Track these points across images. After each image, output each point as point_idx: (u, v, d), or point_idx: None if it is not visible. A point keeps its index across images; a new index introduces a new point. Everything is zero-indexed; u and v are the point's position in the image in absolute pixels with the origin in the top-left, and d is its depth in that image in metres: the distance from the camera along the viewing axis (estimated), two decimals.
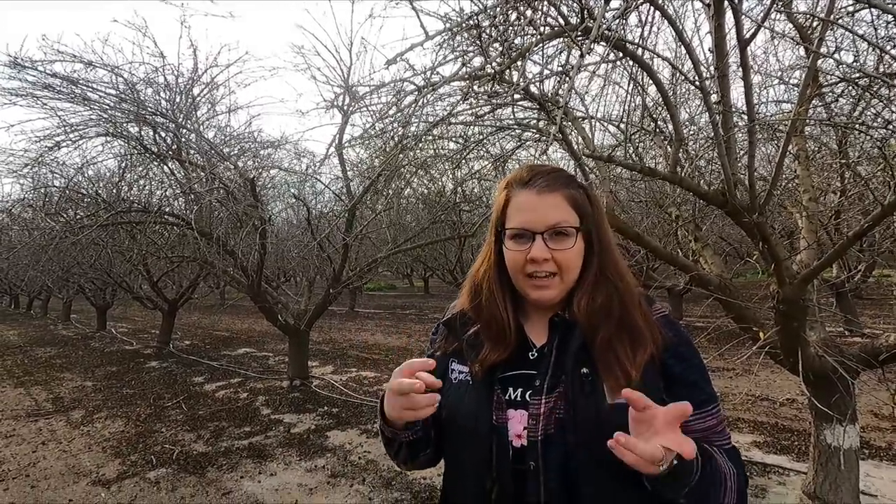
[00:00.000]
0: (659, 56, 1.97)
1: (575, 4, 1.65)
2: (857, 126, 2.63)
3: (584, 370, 0.80)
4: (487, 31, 1.69)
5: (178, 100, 4.54)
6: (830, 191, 3.65)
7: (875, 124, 2.52)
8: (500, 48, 1.67)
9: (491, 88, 1.98)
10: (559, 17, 1.67)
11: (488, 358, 0.85)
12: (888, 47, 2.29)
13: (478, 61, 1.76)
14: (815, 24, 2.25)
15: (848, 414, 2.38)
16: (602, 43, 1.59)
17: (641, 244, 2.50)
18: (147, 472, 3.63)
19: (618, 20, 1.76)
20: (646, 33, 2.05)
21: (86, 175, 5.21)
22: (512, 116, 2.80)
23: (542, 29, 1.70)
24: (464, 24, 1.66)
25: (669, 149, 2.49)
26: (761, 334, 2.30)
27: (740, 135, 2.42)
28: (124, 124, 4.44)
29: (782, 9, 1.97)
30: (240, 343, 9.42)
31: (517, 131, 3.10)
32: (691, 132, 2.99)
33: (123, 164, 5.25)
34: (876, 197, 1.96)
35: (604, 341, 0.80)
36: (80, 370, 7.37)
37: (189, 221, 4.40)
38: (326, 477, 3.47)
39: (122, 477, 3.57)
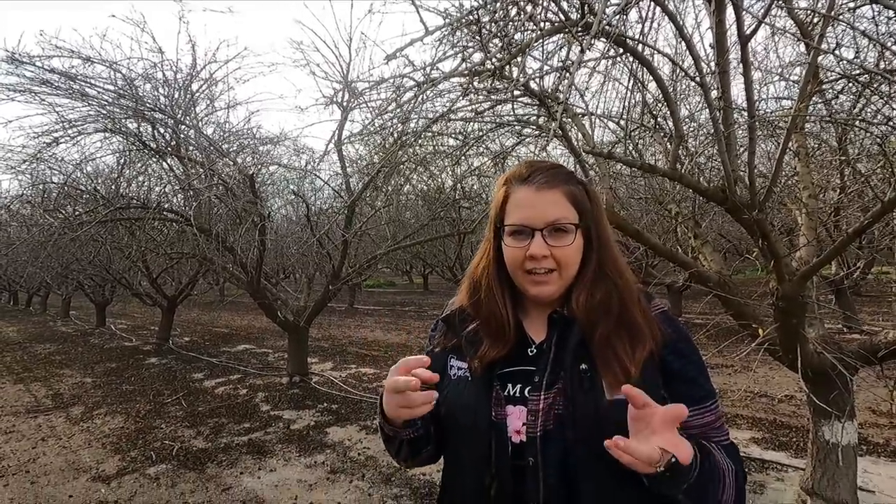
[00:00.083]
0: (659, 52, 1.96)
1: (575, 0, 1.64)
2: (857, 123, 2.62)
3: (583, 366, 0.80)
4: (487, 26, 1.68)
5: (176, 96, 4.53)
6: (830, 188, 3.65)
7: (875, 121, 2.51)
8: (500, 44, 1.67)
9: (491, 84, 1.97)
10: (559, 12, 1.66)
11: (487, 354, 0.85)
12: (889, 43, 2.29)
13: (477, 57, 1.75)
14: (815, 20, 2.24)
15: (846, 410, 2.39)
16: (602, 39, 1.59)
17: (641, 241, 2.50)
18: (147, 468, 3.63)
19: (618, 16, 1.75)
20: (646, 29, 2.04)
21: (84, 171, 5.20)
22: (512, 113, 2.80)
23: (542, 24, 1.70)
24: (463, 20, 1.65)
25: (669, 145, 2.49)
26: (760, 331, 2.30)
27: (740, 131, 2.42)
28: (123, 120, 4.43)
29: (783, 4, 1.97)
30: (239, 340, 9.43)
31: (517, 128, 3.09)
32: (691, 129, 2.99)
33: (122, 161, 5.24)
34: (876, 194, 1.95)
35: (602, 338, 0.80)
36: (80, 367, 7.37)
37: (188, 218, 4.39)
38: (326, 473, 3.47)
39: (122, 473, 3.58)
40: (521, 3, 1.60)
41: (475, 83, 1.86)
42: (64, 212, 5.09)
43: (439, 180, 6.05)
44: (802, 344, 2.23)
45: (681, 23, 1.77)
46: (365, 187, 4.94)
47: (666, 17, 1.75)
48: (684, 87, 2.92)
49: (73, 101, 4.23)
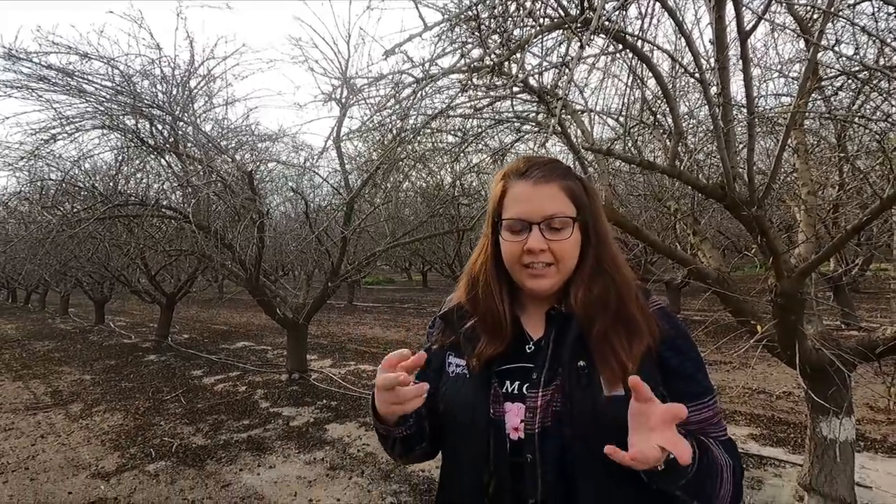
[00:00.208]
0: (659, 48, 1.95)
1: None
2: (856, 119, 2.62)
3: (581, 363, 0.80)
4: (486, 22, 1.68)
5: (174, 92, 4.51)
6: (829, 184, 3.65)
7: (874, 118, 2.51)
8: (499, 40, 1.66)
9: (490, 81, 1.97)
10: (559, 8, 1.65)
11: (485, 351, 0.85)
12: (889, 39, 2.28)
13: (476, 53, 1.75)
14: (815, 16, 2.23)
15: (844, 407, 2.39)
16: (602, 35, 1.58)
17: (640, 238, 2.50)
18: (146, 465, 3.64)
19: (618, 12, 1.74)
20: (646, 25, 2.03)
21: (82, 168, 5.18)
22: (511, 109, 2.79)
23: (541, 20, 1.69)
24: (462, 16, 1.64)
25: (668, 142, 2.49)
26: (759, 327, 2.31)
27: (739, 128, 2.42)
28: (121, 117, 4.41)
29: (783, 0, 1.96)
30: (238, 337, 9.43)
31: (516, 124, 3.08)
32: (690, 125, 2.98)
33: (120, 157, 5.22)
34: (875, 190, 1.95)
35: (600, 333, 0.80)
36: (79, 364, 7.37)
37: (186, 215, 4.38)
38: (325, 469, 3.48)
39: (122, 470, 3.58)
40: (520, 0, 1.59)
41: (474, 79, 1.86)
42: (62, 209, 5.08)
43: (438, 177, 6.04)
44: (801, 340, 2.23)
45: (680, 19, 1.77)
46: (364, 184, 4.93)
47: (665, 13, 1.74)
48: (684, 83, 2.92)
49: (70, 98, 4.21)
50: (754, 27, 1.60)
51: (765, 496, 2.90)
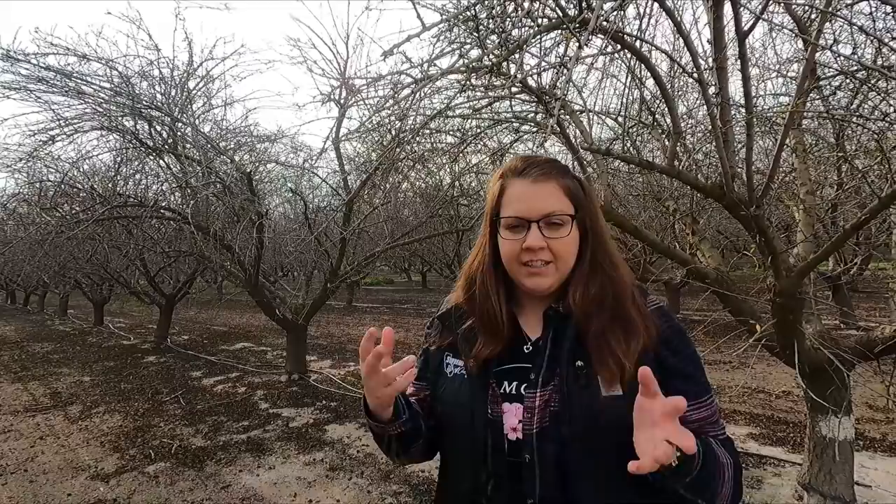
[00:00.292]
0: (657, 48, 1.96)
1: None
2: (854, 119, 2.63)
3: (579, 363, 0.80)
4: (484, 22, 1.68)
5: (173, 93, 4.51)
6: (827, 184, 3.65)
7: (872, 117, 2.52)
8: (498, 40, 1.66)
9: (488, 81, 1.97)
10: (557, 8, 1.65)
11: (482, 352, 0.85)
12: (886, 39, 2.29)
13: (475, 53, 1.75)
14: (813, 16, 2.24)
15: (843, 406, 2.40)
16: (600, 35, 1.59)
17: (639, 237, 2.50)
18: (146, 467, 3.63)
19: (616, 12, 1.75)
20: (644, 25, 2.04)
21: (81, 169, 5.17)
22: (509, 109, 2.79)
23: (539, 20, 1.69)
24: (461, 16, 1.64)
25: (667, 142, 2.49)
26: (758, 327, 2.31)
27: (738, 128, 2.42)
28: (119, 118, 4.41)
29: (780, 0, 1.96)
30: (238, 338, 9.42)
31: (515, 124, 3.09)
32: (689, 125, 2.99)
33: (119, 159, 5.21)
34: (873, 190, 1.96)
35: (597, 333, 0.80)
36: (78, 365, 7.36)
37: (185, 216, 4.38)
38: (325, 470, 3.48)
39: (121, 471, 3.58)
40: (519, 0, 1.59)
41: (473, 80, 1.86)
42: (61, 210, 5.07)
43: (437, 177, 6.04)
44: (800, 340, 2.24)
45: (678, 19, 1.77)
46: (363, 185, 4.93)
47: (664, 13, 1.75)
48: (682, 83, 2.92)
49: (69, 99, 4.21)
50: (752, 27, 1.61)
51: (764, 495, 2.90)
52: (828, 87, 2.84)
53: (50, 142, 4.38)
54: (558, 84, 1.98)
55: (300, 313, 5.67)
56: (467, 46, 1.75)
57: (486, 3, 1.63)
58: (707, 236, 3.14)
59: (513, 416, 0.82)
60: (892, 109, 2.45)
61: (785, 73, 3.02)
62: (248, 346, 8.55)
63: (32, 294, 16.66)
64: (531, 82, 2.05)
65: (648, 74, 1.95)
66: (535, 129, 2.93)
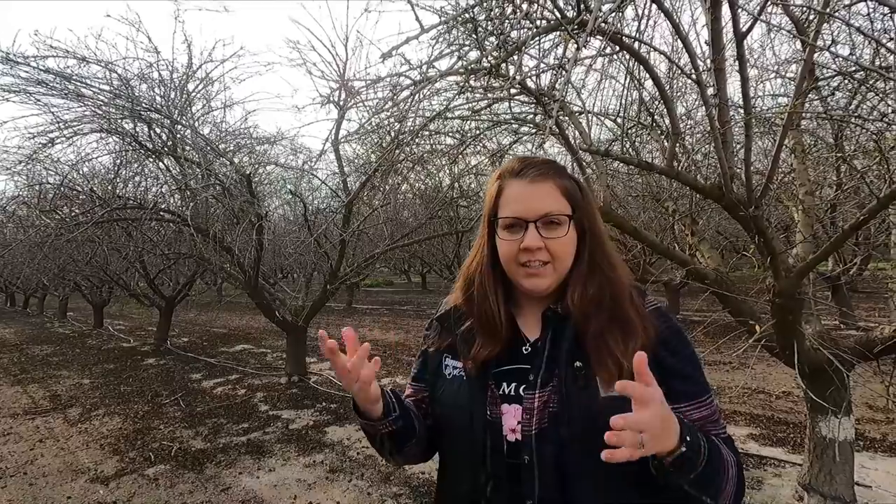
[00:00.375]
0: (655, 50, 1.96)
1: None
2: (853, 119, 2.63)
3: (578, 364, 0.80)
4: (483, 24, 1.68)
5: (172, 96, 4.51)
6: (826, 184, 3.66)
7: (871, 117, 2.52)
8: (496, 42, 1.66)
9: (487, 83, 1.97)
10: (555, 10, 1.66)
11: (481, 353, 0.85)
12: (884, 40, 2.29)
13: (474, 55, 1.75)
14: (811, 16, 2.24)
15: (843, 406, 2.40)
16: (598, 36, 1.59)
17: (639, 238, 2.50)
18: (145, 469, 3.63)
19: (614, 13, 1.75)
20: (642, 27, 2.04)
21: (80, 172, 5.17)
22: (508, 111, 2.80)
23: (538, 22, 1.70)
24: (459, 18, 1.65)
25: (666, 143, 2.49)
26: (757, 328, 2.31)
27: (737, 129, 2.42)
28: (119, 120, 4.41)
29: (779, 1, 1.97)
30: (237, 340, 9.42)
31: (514, 126, 3.09)
32: (688, 126, 2.99)
33: (118, 161, 5.22)
34: (872, 190, 1.96)
35: (595, 333, 0.80)
36: (78, 368, 7.36)
37: (185, 218, 4.38)
38: (325, 472, 3.47)
39: (121, 474, 3.57)
40: (517, 1, 1.60)
41: (471, 81, 1.86)
42: (60, 213, 5.07)
43: (437, 179, 6.04)
44: (799, 340, 2.24)
45: (677, 20, 1.78)
46: (362, 186, 4.93)
47: (662, 15, 1.75)
48: (681, 84, 2.93)
49: (68, 102, 4.22)
50: (750, 28, 1.61)
51: (765, 496, 2.90)
52: (826, 87, 2.85)
53: (49, 144, 4.39)
54: (557, 85, 1.98)
55: (300, 315, 5.66)
56: (466, 48, 1.76)
57: (485, 4, 1.64)
58: (706, 237, 3.14)
59: (512, 418, 0.81)
60: (890, 110, 2.46)
61: (783, 73, 3.03)
62: (247, 348, 8.55)
63: (32, 296, 16.66)
64: (530, 84, 2.06)
65: (647, 75, 1.95)
66: (534, 131, 2.93)
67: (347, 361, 0.76)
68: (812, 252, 2.34)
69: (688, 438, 0.69)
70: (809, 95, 2.54)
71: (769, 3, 1.74)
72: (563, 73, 1.61)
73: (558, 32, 1.71)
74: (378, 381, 0.83)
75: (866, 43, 2.58)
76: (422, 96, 2.21)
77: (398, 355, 7.25)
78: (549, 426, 0.79)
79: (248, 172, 4.73)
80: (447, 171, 5.60)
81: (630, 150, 2.77)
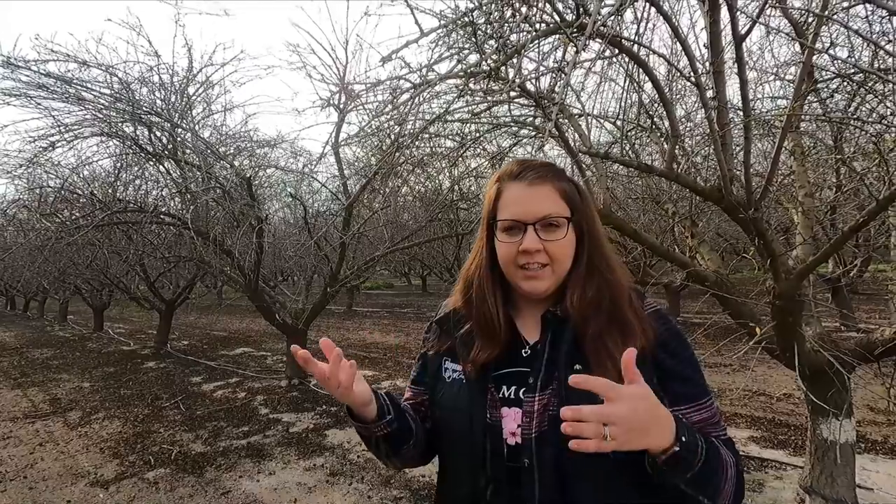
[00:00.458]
0: (655, 52, 1.97)
1: (570, 1, 1.65)
2: (852, 122, 2.63)
3: (577, 367, 0.80)
4: (482, 27, 1.69)
5: (173, 99, 4.52)
6: (826, 186, 3.66)
7: (870, 120, 2.52)
8: (496, 45, 1.67)
9: (487, 86, 1.97)
10: (554, 13, 1.66)
11: (480, 356, 0.85)
12: (883, 42, 2.30)
13: (473, 58, 1.76)
14: (810, 19, 2.25)
15: (844, 408, 2.39)
16: (598, 39, 1.59)
17: (639, 241, 2.50)
18: (145, 473, 3.62)
19: (613, 16, 1.75)
20: (641, 29, 2.04)
21: (81, 175, 5.18)
22: (508, 113, 2.80)
23: (537, 25, 1.70)
24: (459, 21, 1.65)
25: (666, 145, 2.50)
26: (757, 330, 2.31)
27: (736, 131, 2.43)
28: (119, 124, 4.42)
29: (777, 4, 1.98)
30: (237, 343, 9.41)
31: (513, 128, 3.10)
32: (687, 128, 3.00)
33: (119, 164, 5.23)
34: (871, 192, 1.96)
35: (595, 335, 0.81)
36: (78, 371, 7.35)
37: (185, 221, 4.38)
38: (325, 476, 3.47)
39: (121, 477, 3.57)
40: (516, 5, 1.60)
41: (471, 84, 1.86)
42: (61, 216, 5.08)
43: (437, 182, 6.05)
44: (800, 342, 2.24)
45: (676, 23, 1.78)
46: (362, 189, 4.94)
47: (661, 18, 1.76)
48: (680, 86, 2.93)
49: (69, 105, 4.23)
50: (749, 31, 1.61)
51: (766, 499, 2.89)
52: (825, 90, 2.85)
53: (50, 148, 4.39)
54: (556, 88, 1.98)
55: (300, 318, 5.66)
56: (465, 51, 1.76)
57: (485, 8, 1.64)
58: (706, 239, 3.14)
59: (511, 421, 0.81)
60: (889, 112, 2.46)
61: (782, 76, 3.03)
62: (247, 351, 8.54)
63: (32, 300, 16.64)
64: (529, 86, 2.06)
65: (646, 78, 1.96)
66: (533, 133, 2.94)
67: (325, 368, 0.77)
68: (812, 254, 2.34)
69: (683, 438, 0.68)
70: (808, 98, 2.55)
71: (768, 6, 1.75)
72: (563, 76, 1.61)
73: (558, 36, 1.72)
74: (378, 384, 0.83)
75: (865, 45, 2.58)
76: (422, 99, 2.21)
77: (398, 358, 7.25)
78: (549, 429, 0.78)
79: (248, 175, 4.74)
80: (447, 174, 5.61)
81: (630, 152, 2.77)
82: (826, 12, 1.75)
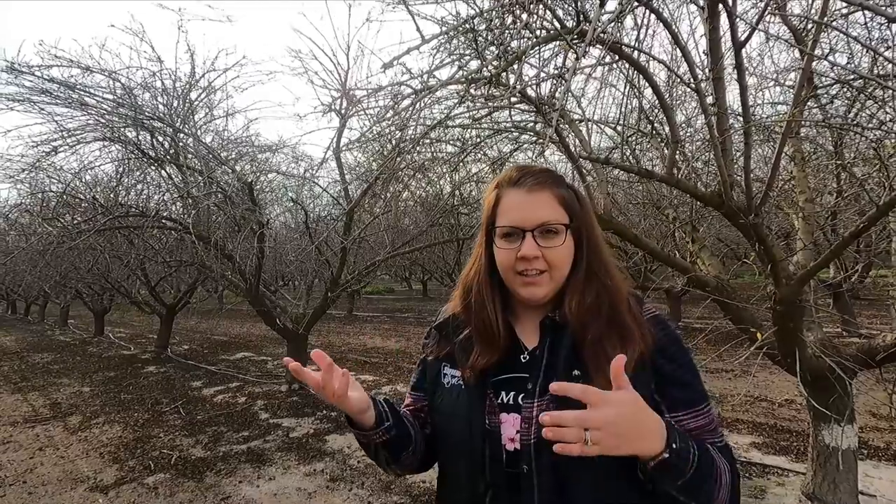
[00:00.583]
0: (654, 58, 1.98)
1: (570, 8, 1.66)
2: (852, 127, 2.64)
3: (576, 372, 0.80)
4: (483, 34, 1.70)
5: (175, 104, 4.55)
6: (826, 192, 3.67)
7: (870, 125, 2.53)
8: (497, 51, 1.68)
9: (488, 91, 1.98)
10: (555, 20, 1.67)
11: (479, 362, 0.85)
12: (882, 49, 2.31)
13: (474, 64, 1.77)
14: (809, 26, 2.26)
15: (846, 414, 2.39)
16: (598, 46, 1.60)
17: (639, 246, 2.50)
18: (145, 478, 3.61)
19: (613, 23, 1.77)
20: (641, 36, 2.05)
21: (83, 180, 5.20)
22: (509, 119, 2.81)
23: (538, 32, 1.71)
24: (460, 28, 1.66)
25: (666, 151, 2.50)
26: (759, 335, 2.31)
27: (736, 137, 2.44)
28: (122, 129, 4.44)
29: (776, 11, 1.99)
30: (238, 347, 9.40)
31: (514, 134, 3.11)
32: (687, 134, 3.00)
33: (121, 169, 5.24)
34: (871, 198, 1.97)
35: (593, 341, 0.81)
36: (78, 376, 7.34)
37: (187, 226, 4.39)
38: (325, 481, 3.46)
39: (120, 482, 3.56)
40: (517, 12, 1.61)
41: (472, 90, 1.87)
42: (62, 220, 5.09)
43: (438, 187, 6.06)
44: (801, 348, 2.23)
45: (676, 30, 1.79)
46: (363, 194, 4.95)
47: (661, 25, 1.77)
48: (680, 92, 2.94)
49: (72, 111, 4.25)
50: (748, 37, 1.62)
51: None
52: (825, 95, 2.86)
53: (52, 153, 4.42)
54: (557, 94, 1.99)
55: (301, 323, 5.66)
56: (467, 57, 1.77)
57: (485, 15, 1.65)
58: (707, 244, 3.14)
59: (510, 427, 0.81)
60: (889, 118, 2.47)
61: (782, 82, 3.04)
62: (248, 355, 8.53)
63: (33, 304, 16.65)
64: (530, 92, 2.07)
65: (647, 84, 1.97)
66: (534, 139, 2.95)
67: (318, 377, 0.77)
68: (813, 259, 2.34)
69: (674, 445, 0.69)
70: (808, 103, 2.56)
71: (767, 12, 1.76)
72: (563, 82, 1.62)
73: (558, 42, 1.73)
74: (379, 389, 0.83)
75: (864, 52, 2.59)
76: (423, 105, 2.22)
77: (399, 363, 7.23)
78: None
79: (249, 180, 4.75)
80: (448, 179, 5.62)
81: (630, 157, 2.78)
82: (825, 19, 1.76)
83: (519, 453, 0.80)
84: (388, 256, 5.58)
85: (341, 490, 3.32)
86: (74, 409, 5.54)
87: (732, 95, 2.08)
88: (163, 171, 5.16)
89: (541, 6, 1.66)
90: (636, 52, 1.89)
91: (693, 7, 2.05)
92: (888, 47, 2.34)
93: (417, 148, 3.95)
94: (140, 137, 4.60)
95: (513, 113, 2.68)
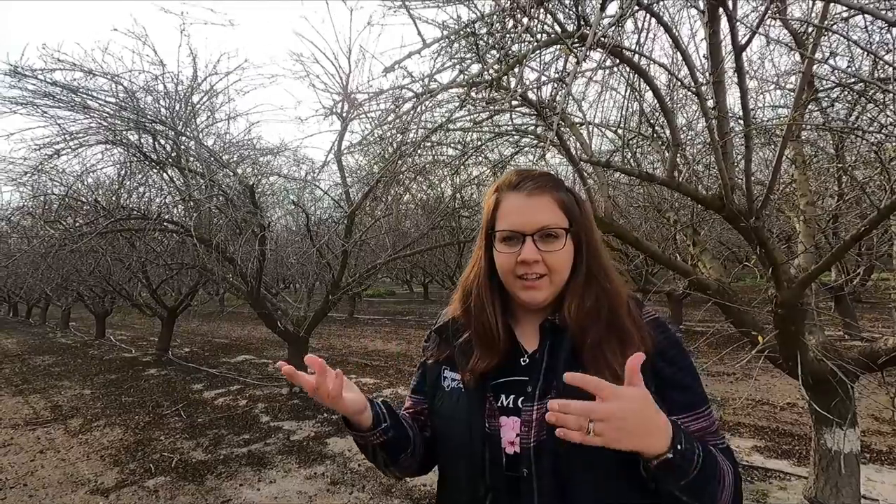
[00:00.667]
0: (655, 62, 1.98)
1: (571, 12, 1.67)
2: (853, 130, 2.64)
3: None
4: (484, 38, 1.70)
5: (177, 107, 4.56)
6: (828, 195, 3.67)
7: (871, 128, 2.53)
8: (498, 55, 1.68)
9: (489, 95, 1.99)
10: (555, 24, 1.68)
11: (479, 365, 0.85)
12: (882, 52, 2.31)
13: (475, 68, 1.77)
14: (809, 30, 2.26)
15: (848, 418, 2.38)
16: (599, 49, 1.61)
17: (640, 249, 2.50)
18: (146, 481, 3.61)
19: (614, 27, 1.77)
20: (642, 40, 2.06)
21: (85, 183, 5.22)
22: (510, 122, 2.82)
23: (538, 36, 1.72)
24: (461, 32, 1.67)
25: (667, 154, 2.51)
26: (760, 338, 2.30)
27: (737, 140, 2.44)
28: (124, 132, 4.46)
29: (777, 15, 1.99)
30: (239, 350, 9.40)
31: (515, 137, 3.11)
32: (688, 137, 3.01)
33: (123, 172, 5.26)
34: (872, 201, 1.97)
35: (593, 344, 0.81)
36: (79, 378, 7.35)
37: (188, 228, 4.40)
38: (326, 484, 3.45)
39: (121, 485, 3.55)
40: (518, 16, 1.62)
41: (473, 94, 1.88)
42: (64, 223, 5.11)
43: (439, 189, 6.06)
44: (802, 351, 2.23)
45: (676, 33, 1.80)
46: (364, 197, 4.96)
47: (661, 28, 1.77)
48: (681, 95, 2.95)
49: (74, 114, 4.26)
50: (748, 41, 1.63)
51: None
52: (826, 99, 2.86)
53: (55, 155, 4.43)
54: (558, 97, 2.00)
55: (302, 325, 5.66)
56: (467, 61, 1.78)
57: (487, 19, 1.66)
58: (708, 247, 3.14)
59: (510, 430, 0.81)
60: (889, 121, 2.47)
61: (783, 85, 3.05)
62: (249, 358, 8.53)
63: (35, 307, 16.68)
64: (531, 96, 2.08)
65: (647, 87, 1.97)
66: (535, 142, 2.95)
67: (312, 380, 0.77)
68: (814, 262, 2.34)
69: (679, 447, 0.68)
70: (809, 107, 2.56)
71: (767, 16, 1.76)
72: (564, 85, 1.63)
73: (559, 46, 1.73)
74: (379, 392, 0.83)
75: (865, 55, 2.60)
76: (424, 108, 2.23)
77: (400, 366, 7.23)
78: (548, 438, 0.78)
79: (251, 183, 4.76)
80: (449, 182, 5.62)
81: (631, 160, 2.78)
82: (825, 23, 1.76)
83: (519, 457, 0.80)
84: (389, 259, 5.59)
85: (342, 493, 3.31)
86: (75, 411, 5.54)
87: (733, 99, 2.09)
88: (165, 174, 5.18)
89: (542, 10, 1.66)
90: (637, 56, 1.90)
91: (694, 11, 2.05)
92: (888, 51, 2.35)
93: (419, 151, 3.96)
94: (142, 140, 4.61)
95: (514, 116, 2.69)
